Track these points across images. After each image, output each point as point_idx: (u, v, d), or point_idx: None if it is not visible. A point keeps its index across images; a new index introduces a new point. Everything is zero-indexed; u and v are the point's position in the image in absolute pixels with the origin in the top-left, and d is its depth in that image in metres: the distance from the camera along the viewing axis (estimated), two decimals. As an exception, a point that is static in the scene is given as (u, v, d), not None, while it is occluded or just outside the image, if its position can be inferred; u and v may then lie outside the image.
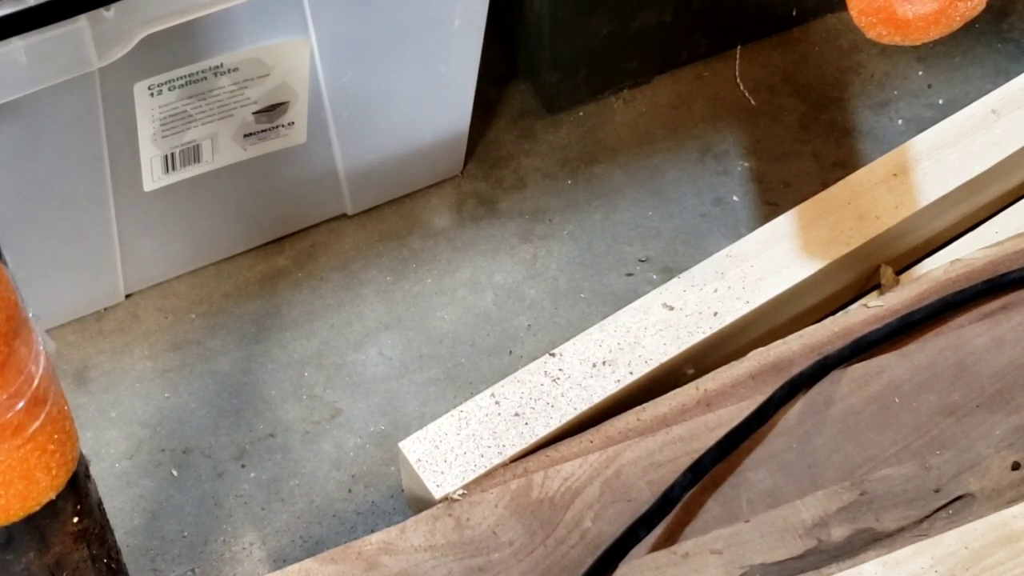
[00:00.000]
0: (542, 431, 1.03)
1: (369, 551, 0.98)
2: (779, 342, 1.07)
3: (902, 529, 0.98)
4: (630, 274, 1.23)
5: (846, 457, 1.01)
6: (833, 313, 1.13)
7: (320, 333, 1.19)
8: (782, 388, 1.03)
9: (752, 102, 1.33)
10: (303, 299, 1.21)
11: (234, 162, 1.14)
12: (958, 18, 0.94)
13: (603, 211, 1.26)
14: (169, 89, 1.05)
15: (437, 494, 1.00)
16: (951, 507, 0.99)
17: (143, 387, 1.16)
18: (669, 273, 1.20)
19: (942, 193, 1.15)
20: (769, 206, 1.26)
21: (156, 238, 1.17)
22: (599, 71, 1.30)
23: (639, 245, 1.24)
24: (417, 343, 1.18)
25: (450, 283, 1.22)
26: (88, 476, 0.78)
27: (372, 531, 1.05)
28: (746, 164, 1.29)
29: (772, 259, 1.11)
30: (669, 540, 0.98)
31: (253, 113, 1.11)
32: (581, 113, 1.32)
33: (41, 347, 0.70)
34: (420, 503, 1.02)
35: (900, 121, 1.31)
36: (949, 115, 1.19)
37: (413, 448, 1.02)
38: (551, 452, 1.02)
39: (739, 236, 1.15)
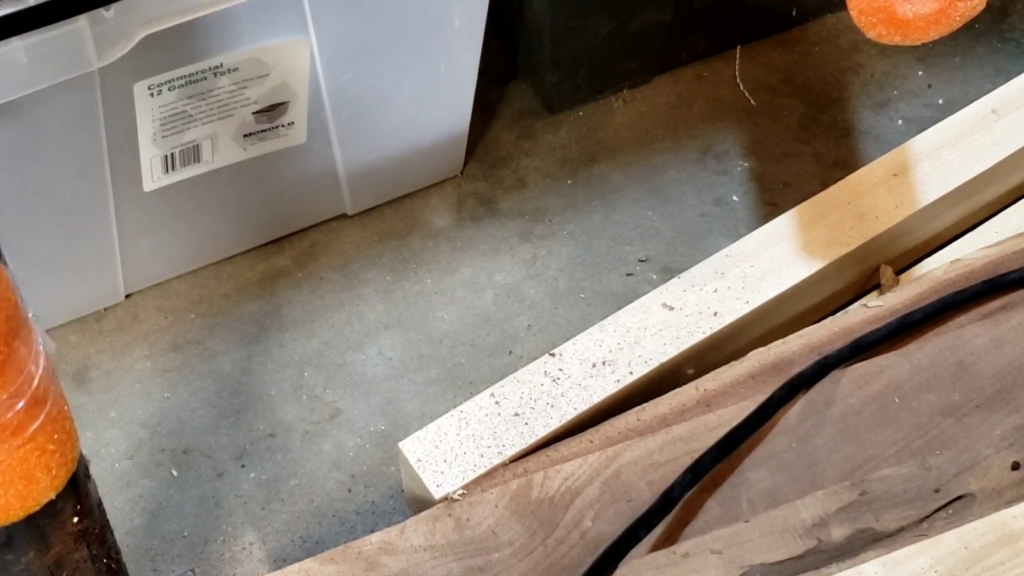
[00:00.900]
0: (542, 431, 1.03)
1: (369, 551, 0.98)
2: (779, 342, 1.07)
3: (902, 529, 0.98)
4: (630, 274, 1.23)
5: (846, 457, 1.01)
6: (833, 313, 1.13)
7: (320, 333, 1.19)
8: (782, 388, 1.03)
9: (752, 102, 1.33)
10: (303, 299, 1.21)
11: (234, 162, 1.14)
12: (958, 18, 0.94)
13: (603, 211, 1.26)
14: (169, 89, 1.05)
15: (437, 494, 1.00)
16: (951, 507, 0.99)
17: (143, 387, 1.16)
18: (669, 273, 1.20)
19: (942, 193, 1.15)
20: (769, 206, 1.26)
21: (156, 238, 1.17)
22: (599, 71, 1.30)
23: (639, 245, 1.24)
24: (417, 343, 1.18)
25: (450, 283, 1.22)
26: (88, 476, 0.78)
27: (372, 531, 1.05)
28: (746, 164, 1.29)
29: (772, 259, 1.11)
30: (669, 540, 0.98)
31: (253, 113, 1.11)
32: (581, 113, 1.32)
33: (41, 347, 0.70)
34: (420, 503, 1.02)
35: (900, 121, 1.31)
36: (949, 115, 1.19)
37: (413, 448, 1.02)
38: (551, 452, 1.02)
39: (739, 236, 1.15)
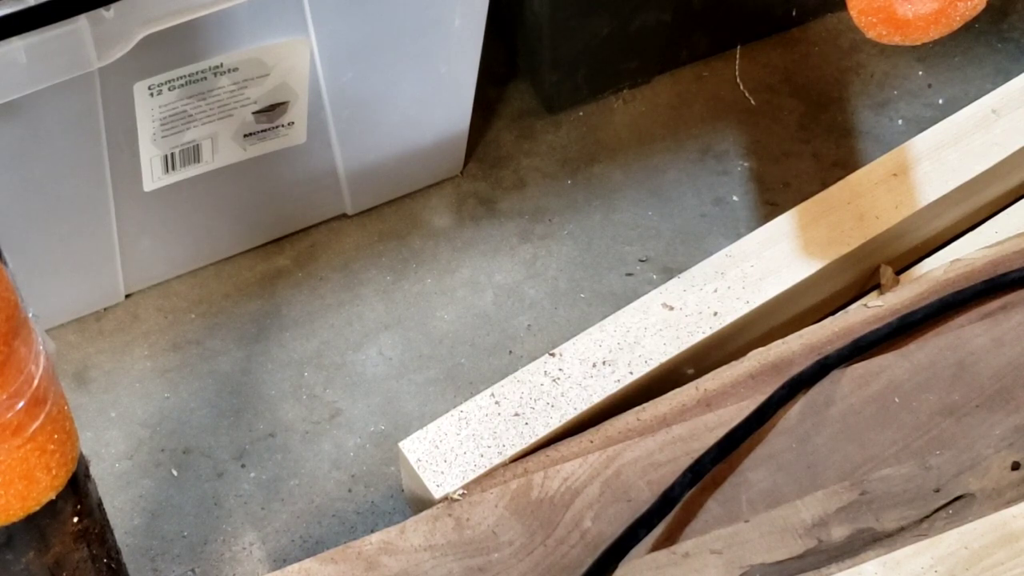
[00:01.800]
0: (542, 431, 1.03)
1: (369, 551, 0.98)
2: (779, 342, 1.07)
3: (902, 529, 0.98)
4: (630, 274, 1.23)
5: (846, 457, 1.01)
6: (833, 313, 1.13)
7: (320, 333, 1.19)
8: (782, 388, 1.03)
9: (752, 102, 1.33)
10: (303, 299, 1.21)
11: (234, 162, 1.14)
12: (958, 18, 0.94)
13: (603, 211, 1.26)
14: (169, 89, 1.05)
15: (437, 494, 1.00)
16: (951, 507, 0.99)
17: (143, 387, 1.16)
18: (669, 273, 1.20)
19: (942, 193, 1.15)
20: (769, 206, 1.26)
21: (156, 238, 1.17)
22: (599, 71, 1.30)
23: (639, 245, 1.24)
24: (417, 343, 1.18)
25: (450, 283, 1.22)
26: (88, 476, 0.78)
27: (372, 531, 1.05)
28: (746, 164, 1.29)
29: (772, 259, 1.11)
30: (669, 540, 0.98)
31: (253, 113, 1.11)
32: (581, 113, 1.32)
33: (41, 347, 0.70)
34: (420, 503, 1.02)
35: (900, 121, 1.31)
36: (949, 115, 1.19)
37: (413, 448, 1.02)
38: (551, 452, 1.02)
39: (739, 236, 1.15)
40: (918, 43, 0.95)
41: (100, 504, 0.80)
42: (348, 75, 1.12)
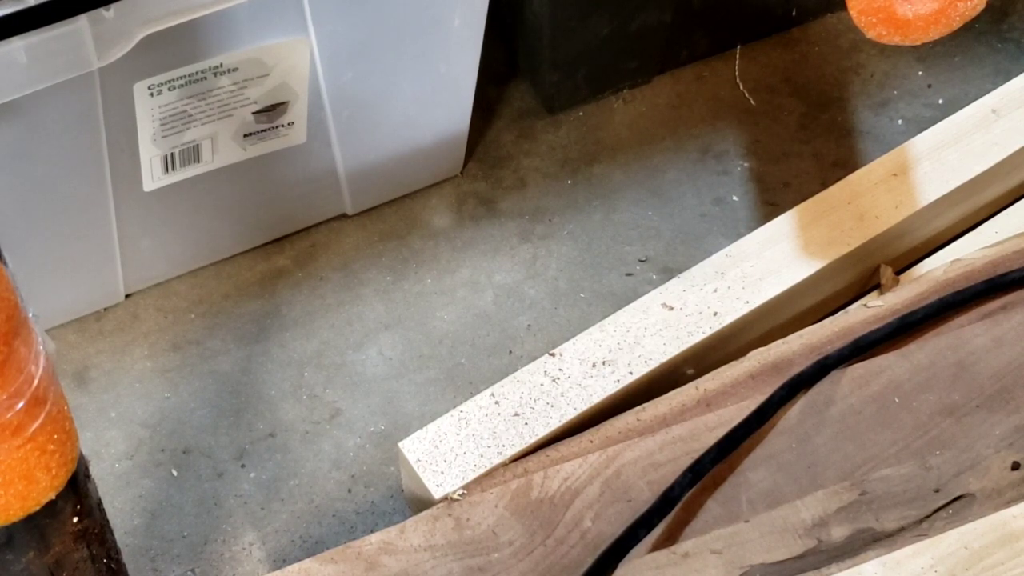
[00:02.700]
0: (542, 431, 1.03)
1: (369, 551, 0.98)
2: (779, 342, 1.07)
3: (902, 529, 0.98)
4: (630, 274, 1.23)
5: (846, 457, 1.01)
6: (833, 313, 1.13)
7: (320, 333, 1.19)
8: (782, 388, 1.03)
9: (752, 102, 1.33)
10: (303, 299, 1.21)
11: (234, 162, 1.14)
12: (958, 18, 0.94)
13: (603, 211, 1.26)
14: (169, 89, 1.05)
15: (437, 494, 1.00)
16: (951, 507, 0.99)
17: (143, 387, 1.16)
18: (669, 273, 1.20)
19: (942, 193, 1.15)
20: (769, 206, 1.26)
21: (156, 238, 1.17)
22: (599, 71, 1.30)
23: (639, 245, 1.24)
24: (417, 343, 1.18)
25: (450, 283, 1.22)
26: (88, 476, 0.78)
27: (372, 531, 1.05)
28: (746, 164, 1.29)
29: (772, 259, 1.11)
30: (669, 540, 0.98)
31: (253, 113, 1.11)
32: (581, 113, 1.32)
33: (41, 347, 0.70)
34: (420, 503, 1.02)
35: (900, 121, 1.31)
36: (949, 115, 1.19)
37: (413, 448, 1.02)
38: (551, 452, 1.02)
39: (739, 236, 1.15)
40: (918, 43, 0.95)
41: (100, 504, 0.80)
42: (348, 75, 1.12)
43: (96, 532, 0.79)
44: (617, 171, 1.28)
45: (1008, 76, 1.26)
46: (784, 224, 1.13)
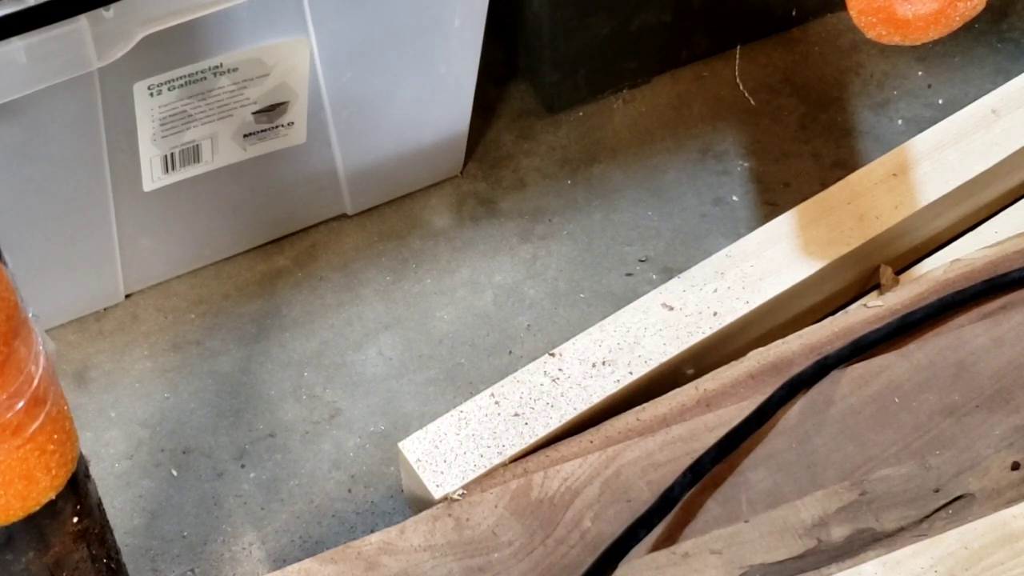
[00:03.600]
0: (542, 431, 1.03)
1: (369, 551, 0.98)
2: (779, 342, 1.07)
3: (902, 529, 0.98)
4: (630, 274, 1.23)
5: (846, 457, 1.01)
6: (833, 313, 1.13)
7: (320, 333, 1.19)
8: (782, 388, 1.03)
9: (752, 102, 1.33)
10: (303, 299, 1.21)
11: (234, 162, 1.14)
12: (958, 18, 0.94)
13: (603, 211, 1.26)
14: (169, 89, 1.05)
15: (437, 494, 1.00)
16: (951, 507, 0.99)
17: (143, 387, 1.16)
18: (669, 273, 1.20)
19: (942, 193, 1.15)
20: (769, 206, 1.26)
21: (156, 238, 1.17)
22: (599, 71, 1.30)
23: (639, 245, 1.24)
24: (417, 343, 1.18)
25: (450, 283, 1.22)
26: (88, 476, 0.78)
27: (372, 531, 1.05)
28: (746, 164, 1.29)
29: (772, 259, 1.11)
30: (669, 540, 0.98)
31: (253, 113, 1.11)
32: (581, 113, 1.32)
33: (41, 347, 0.70)
34: (420, 503, 1.02)
35: (900, 121, 1.31)
36: (949, 115, 1.19)
37: (413, 448, 1.02)
38: (551, 452, 1.02)
39: (739, 236, 1.15)
40: (918, 43, 0.95)
41: (100, 504, 0.80)
42: (348, 75, 1.12)
43: (96, 532, 0.79)
44: (617, 171, 1.28)
45: (1008, 76, 1.26)
46: (784, 224, 1.13)
